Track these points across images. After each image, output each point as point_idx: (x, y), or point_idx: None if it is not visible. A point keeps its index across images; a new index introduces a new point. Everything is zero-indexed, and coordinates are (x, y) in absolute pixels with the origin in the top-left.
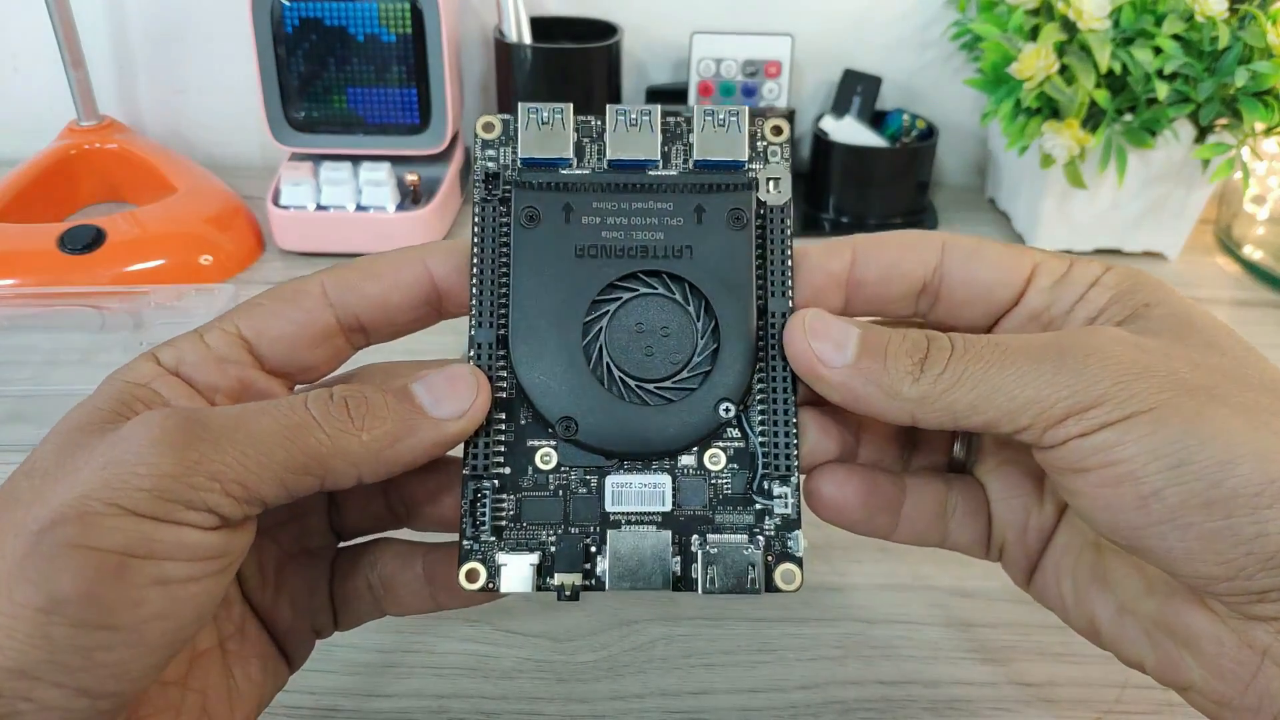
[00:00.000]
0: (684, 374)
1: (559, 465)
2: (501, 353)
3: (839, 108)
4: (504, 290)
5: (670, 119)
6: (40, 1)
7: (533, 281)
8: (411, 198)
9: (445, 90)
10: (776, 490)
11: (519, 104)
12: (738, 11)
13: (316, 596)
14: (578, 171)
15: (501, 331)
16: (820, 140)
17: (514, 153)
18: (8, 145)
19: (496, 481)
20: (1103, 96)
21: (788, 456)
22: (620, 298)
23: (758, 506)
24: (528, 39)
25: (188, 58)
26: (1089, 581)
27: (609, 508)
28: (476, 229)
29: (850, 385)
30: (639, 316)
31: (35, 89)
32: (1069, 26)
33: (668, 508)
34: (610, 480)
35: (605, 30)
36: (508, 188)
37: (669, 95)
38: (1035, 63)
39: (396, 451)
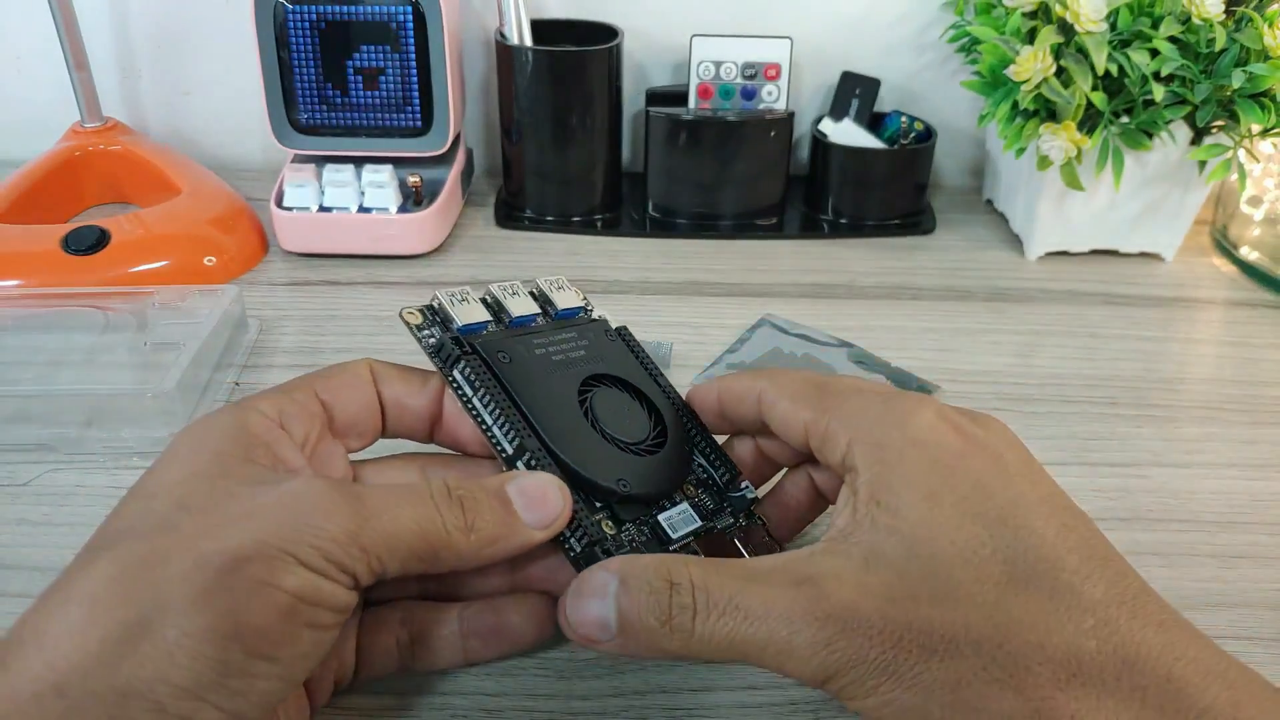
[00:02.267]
0: (653, 433)
1: (623, 524)
2: (541, 453)
3: (837, 110)
4: (514, 411)
5: (532, 291)
6: (44, 3)
7: (535, 398)
8: (414, 199)
9: (447, 92)
10: (733, 491)
11: (437, 292)
12: (737, 14)
13: (344, 652)
14: (496, 330)
15: (529, 439)
16: (818, 142)
17: (450, 326)
18: (12, 146)
19: (598, 550)
20: (1099, 98)
21: (727, 467)
22: (587, 396)
23: (728, 506)
24: (529, 41)
25: (191, 60)
26: None
27: (673, 536)
28: (470, 382)
29: (628, 651)
30: (605, 404)
31: (39, 90)
32: (1066, 29)
33: (700, 523)
34: (661, 518)
35: (606, 33)
36: (462, 349)
37: (669, 98)
38: (1032, 65)
39: (492, 551)
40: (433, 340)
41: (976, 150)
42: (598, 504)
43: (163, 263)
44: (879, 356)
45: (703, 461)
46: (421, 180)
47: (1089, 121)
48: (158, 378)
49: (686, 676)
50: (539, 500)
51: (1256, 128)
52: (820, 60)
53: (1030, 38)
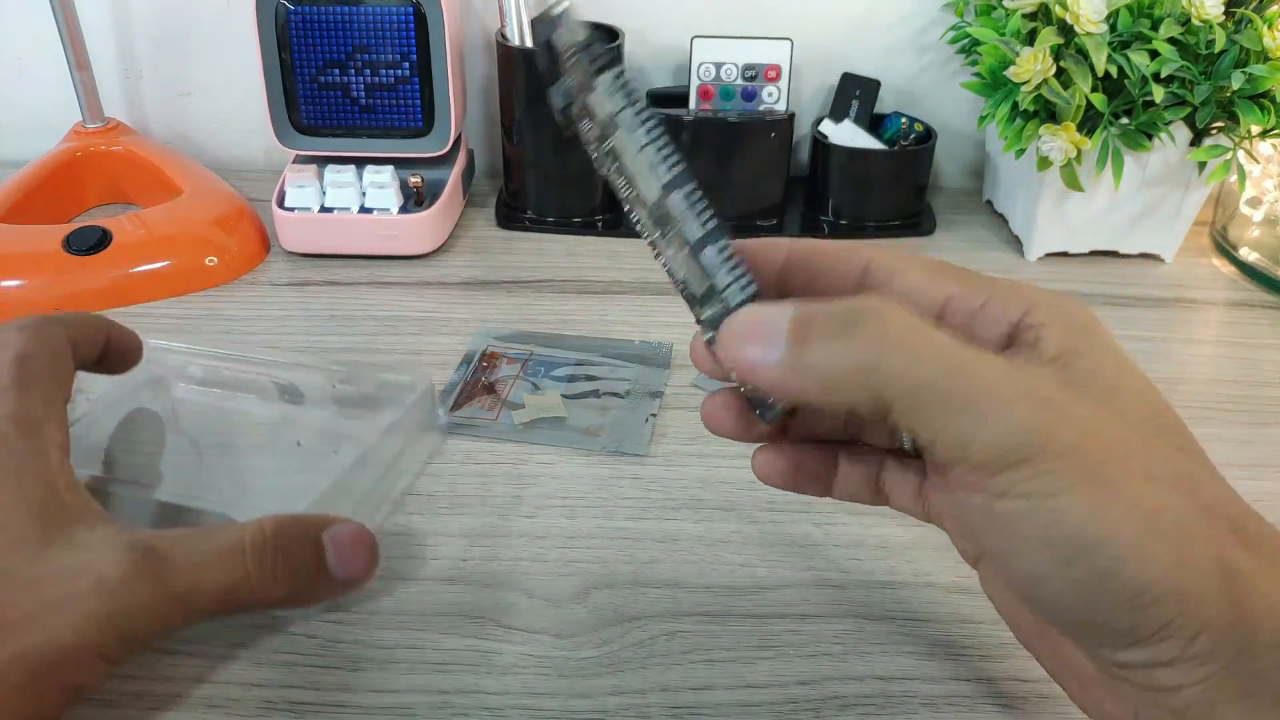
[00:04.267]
0: None
1: None
2: None
3: (837, 111)
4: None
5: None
6: (46, 4)
7: None
8: (415, 200)
9: (448, 93)
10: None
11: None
12: (738, 16)
13: None
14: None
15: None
16: (819, 143)
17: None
18: (14, 147)
19: None
20: (1099, 99)
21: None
22: None
23: None
24: (530, 43)
25: (192, 60)
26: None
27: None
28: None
29: (788, 383)
30: None
31: (41, 91)
32: (1066, 30)
33: None
34: None
35: (607, 34)
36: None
37: (670, 99)
38: (1032, 66)
39: (294, 603)
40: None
41: (976, 151)
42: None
43: (164, 263)
44: None
45: None
46: (423, 181)
47: (1089, 122)
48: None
49: (687, 675)
50: (350, 556)
51: (1256, 129)
52: (820, 61)
53: (1030, 39)
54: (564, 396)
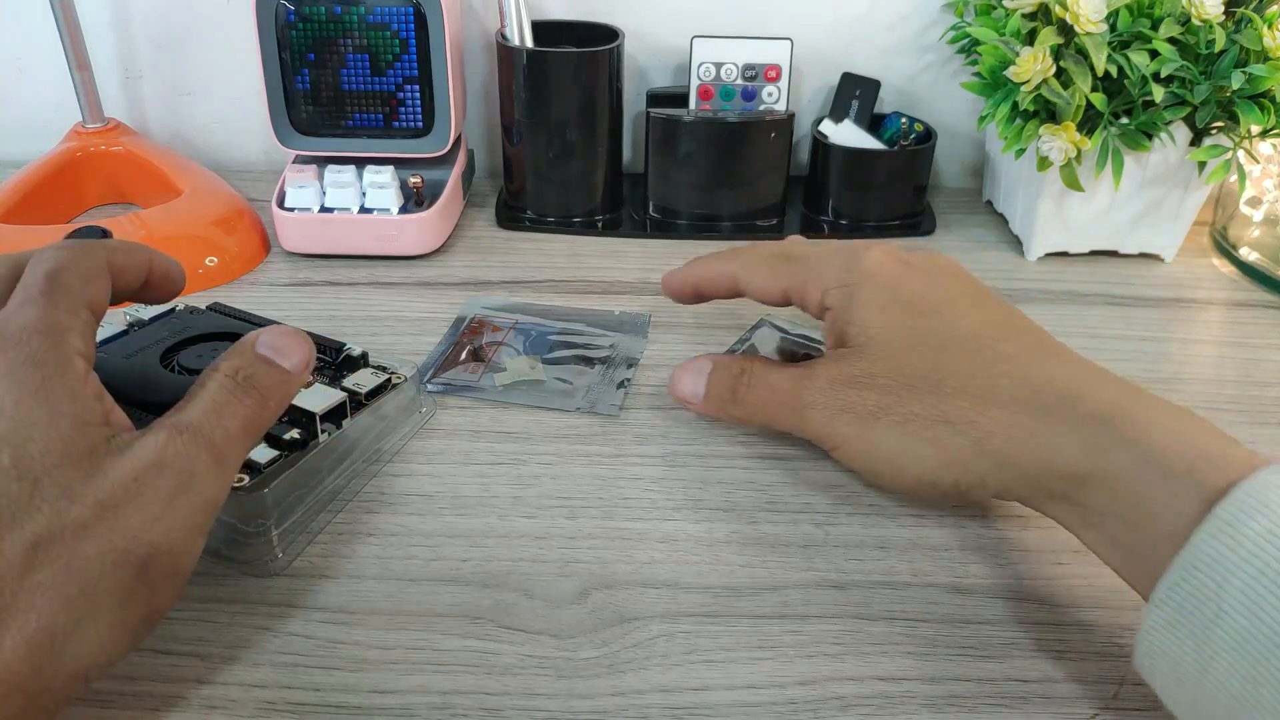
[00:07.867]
0: None
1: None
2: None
3: (837, 111)
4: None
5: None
6: (46, 4)
7: (125, 385)
8: (415, 200)
9: (448, 94)
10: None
11: None
12: (738, 16)
13: None
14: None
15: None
16: (818, 143)
17: None
18: (14, 147)
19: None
20: (1099, 99)
21: (334, 347)
22: (172, 359)
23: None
24: (530, 43)
25: (192, 61)
26: None
27: (315, 410)
28: None
29: (707, 411)
30: (191, 356)
31: (41, 91)
32: (1066, 30)
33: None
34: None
35: (607, 34)
36: None
37: (670, 99)
38: (1032, 66)
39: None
40: None
41: (976, 151)
42: None
43: None
44: None
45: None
46: (423, 181)
47: (1089, 122)
48: None
49: (687, 675)
50: (287, 347)
51: (1256, 129)
52: (820, 61)
53: (1030, 39)
54: (544, 361)
